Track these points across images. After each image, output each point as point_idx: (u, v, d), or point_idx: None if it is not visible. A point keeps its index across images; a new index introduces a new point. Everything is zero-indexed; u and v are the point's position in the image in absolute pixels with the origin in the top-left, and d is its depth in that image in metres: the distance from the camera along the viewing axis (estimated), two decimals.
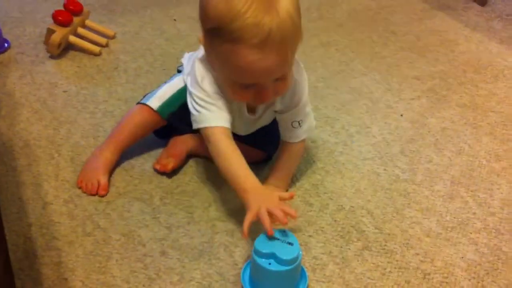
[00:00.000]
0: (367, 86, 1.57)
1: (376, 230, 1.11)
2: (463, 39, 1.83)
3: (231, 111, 1.06)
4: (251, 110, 1.11)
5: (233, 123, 1.08)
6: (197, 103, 1.04)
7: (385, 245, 1.08)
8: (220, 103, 1.04)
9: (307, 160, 1.28)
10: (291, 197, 1.03)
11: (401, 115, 1.45)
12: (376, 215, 1.15)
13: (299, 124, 1.12)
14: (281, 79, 0.97)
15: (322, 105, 1.48)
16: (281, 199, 1.00)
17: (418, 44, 1.79)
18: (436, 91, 1.56)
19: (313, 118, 1.16)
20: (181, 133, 1.26)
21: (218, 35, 0.91)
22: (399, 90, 1.55)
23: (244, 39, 0.88)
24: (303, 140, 1.16)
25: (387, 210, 1.16)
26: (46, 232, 1.07)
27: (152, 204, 1.15)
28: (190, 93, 1.06)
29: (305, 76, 1.10)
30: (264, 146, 1.23)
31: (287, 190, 1.19)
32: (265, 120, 1.16)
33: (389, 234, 1.10)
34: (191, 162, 1.26)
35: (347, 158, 1.30)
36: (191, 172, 1.23)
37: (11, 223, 1.08)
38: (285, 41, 0.90)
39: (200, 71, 1.04)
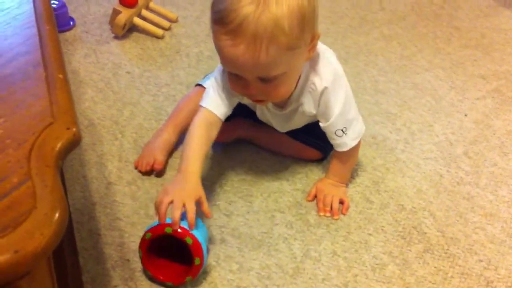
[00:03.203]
0: (430, 82, 1.54)
1: (439, 233, 1.09)
2: None
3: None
4: (277, 104, 1.10)
5: (266, 117, 1.15)
6: (211, 82, 1.07)
7: (447, 249, 1.06)
8: (226, 94, 1.05)
9: (367, 156, 1.26)
10: (207, 214, 0.98)
11: (465, 115, 1.41)
12: (439, 217, 1.12)
13: (343, 132, 1.08)
14: (269, 81, 0.95)
15: (383, 100, 1.45)
16: (201, 203, 0.97)
17: (483, 42, 1.74)
18: (502, 91, 1.51)
19: (361, 123, 1.12)
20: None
21: (211, 13, 0.92)
22: (463, 89, 1.51)
23: (222, 22, 0.89)
24: (355, 146, 1.12)
25: (450, 213, 1.14)
26: (109, 212, 1.09)
27: (212, 191, 1.15)
28: (214, 73, 1.09)
29: (341, 83, 1.05)
30: (318, 145, 1.22)
31: (347, 186, 1.18)
32: (299, 120, 1.14)
33: (452, 238, 1.08)
34: (250, 151, 1.26)
35: (408, 157, 1.27)
36: (250, 161, 1.24)
37: (76, 201, 1.10)
38: (258, 37, 0.87)
39: None
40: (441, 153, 1.29)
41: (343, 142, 1.11)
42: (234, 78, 0.98)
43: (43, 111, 0.62)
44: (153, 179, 1.16)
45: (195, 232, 0.92)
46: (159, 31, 1.59)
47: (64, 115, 0.62)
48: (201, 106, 1.07)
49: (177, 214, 0.91)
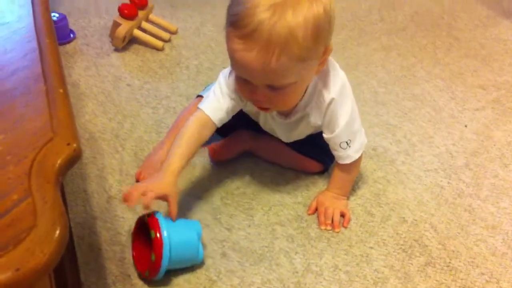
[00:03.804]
0: (430, 93, 1.54)
1: (440, 246, 1.09)
2: None
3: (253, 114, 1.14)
4: (282, 112, 1.10)
5: (269, 126, 1.15)
6: (215, 87, 1.08)
7: (449, 262, 1.06)
8: (226, 100, 1.06)
9: (367, 168, 1.26)
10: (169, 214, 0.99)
11: (465, 126, 1.41)
12: (440, 230, 1.12)
13: (348, 144, 1.09)
14: (277, 89, 0.95)
15: (383, 111, 1.45)
16: (168, 203, 0.98)
17: (482, 52, 1.74)
18: (501, 102, 1.51)
19: (364, 135, 1.12)
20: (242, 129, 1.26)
21: (227, 15, 0.92)
22: (463, 100, 1.51)
23: (236, 26, 0.89)
24: (358, 158, 1.12)
25: (451, 226, 1.13)
26: (110, 226, 1.08)
27: (212, 204, 1.15)
28: (218, 78, 1.09)
29: (347, 94, 1.06)
30: (320, 157, 1.21)
31: (348, 199, 1.18)
32: (304, 130, 1.14)
33: (453, 251, 1.08)
34: (251, 164, 1.25)
35: (409, 168, 1.27)
36: (251, 173, 1.23)
37: (76, 215, 1.10)
38: (271, 44, 0.87)
39: None
40: (442, 164, 1.29)
41: (347, 155, 1.10)
42: (242, 82, 0.98)
43: (43, 126, 0.62)
44: None
45: (166, 231, 0.93)
46: (159, 43, 1.59)
47: (65, 130, 0.62)
48: (198, 107, 1.08)
49: (130, 204, 0.95)
